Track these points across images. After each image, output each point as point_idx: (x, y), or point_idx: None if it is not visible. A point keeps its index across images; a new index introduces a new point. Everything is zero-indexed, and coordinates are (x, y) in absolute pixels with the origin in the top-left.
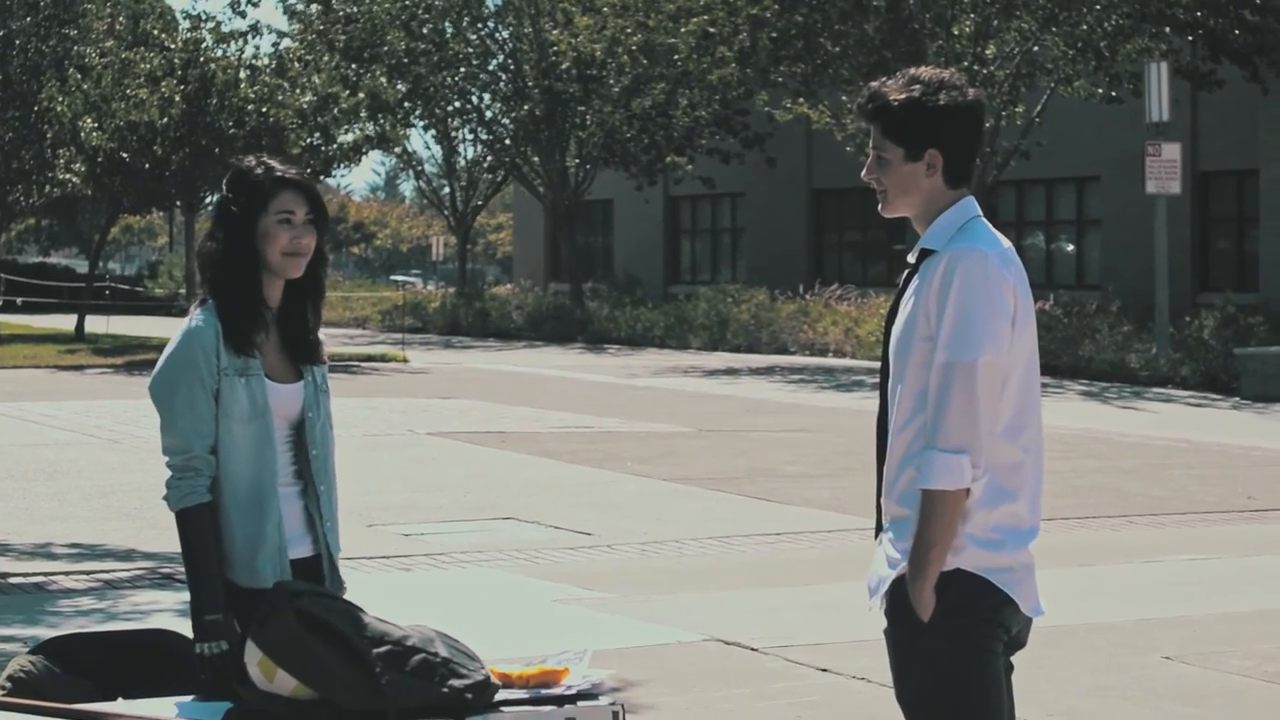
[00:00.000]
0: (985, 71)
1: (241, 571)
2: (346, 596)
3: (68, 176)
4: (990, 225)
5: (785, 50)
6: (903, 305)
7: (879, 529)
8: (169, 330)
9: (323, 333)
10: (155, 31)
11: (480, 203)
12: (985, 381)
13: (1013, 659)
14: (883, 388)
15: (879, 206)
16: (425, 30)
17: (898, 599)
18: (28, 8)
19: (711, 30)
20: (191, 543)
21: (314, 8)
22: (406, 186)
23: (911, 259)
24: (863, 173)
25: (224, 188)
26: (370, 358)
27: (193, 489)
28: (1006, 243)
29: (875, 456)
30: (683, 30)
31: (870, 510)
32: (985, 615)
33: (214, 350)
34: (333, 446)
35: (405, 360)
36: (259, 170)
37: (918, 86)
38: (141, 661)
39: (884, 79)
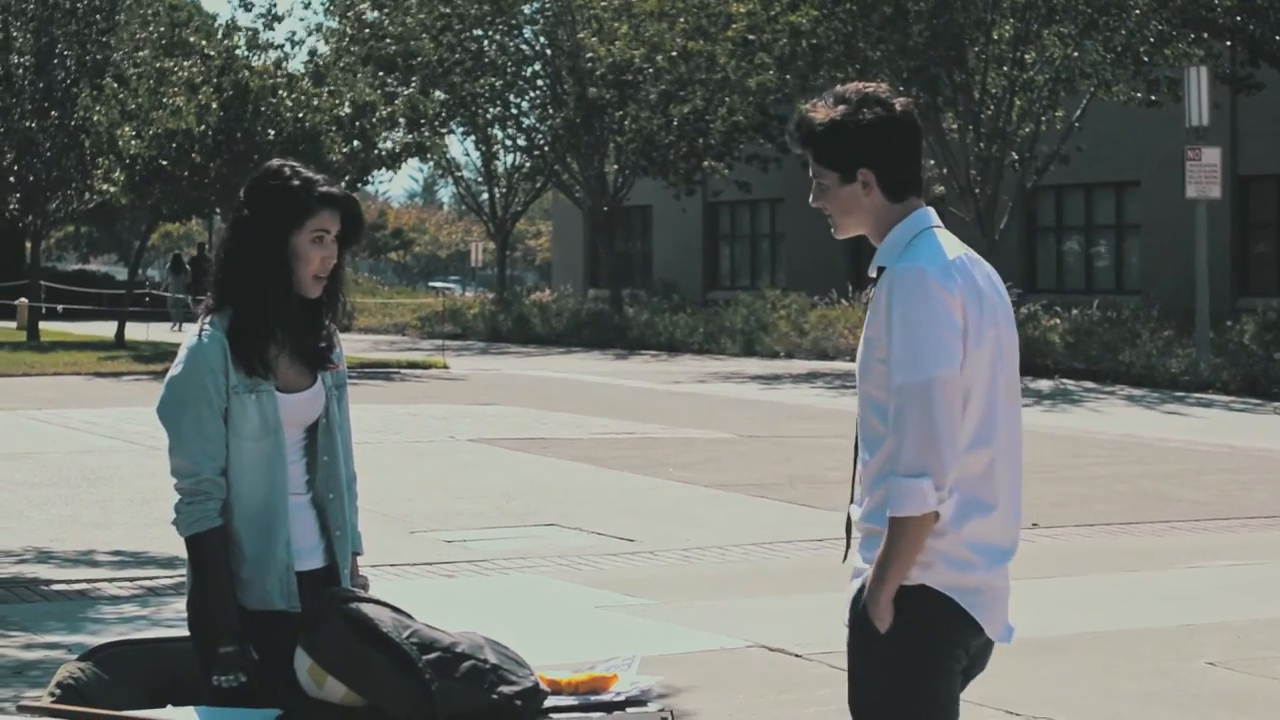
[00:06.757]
0: (1025, 76)
1: (249, 594)
2: (391, 602)
3: (106, 186)
4: (943, 235)
5: (825, 56)
6: (865, 326)
7: (848, 549)
8: None
9: (351, 338)
10: (193, 39)
11: (519, 209)
12: (943, 399)
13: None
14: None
15: (831, 231)
16: (459, 39)
17: (859, 608)
18: (65, 15)
19: (750, 38)
20: (205, 569)
21: (349, 20)
22: (445, 192)
23: (872, 274)
24: (809, 199)
25: (251, 194)
26: (412, 364)
27: (204, 514)
28: (958, 252)
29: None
30: (721, 38)
31: None
32: (946, 635)
33: (222, 369)
34: (346, 451)
35: (445, 366)
36: (296, 182)
37: (841, 106)
38: (189, 668)
39: (813, 101)
